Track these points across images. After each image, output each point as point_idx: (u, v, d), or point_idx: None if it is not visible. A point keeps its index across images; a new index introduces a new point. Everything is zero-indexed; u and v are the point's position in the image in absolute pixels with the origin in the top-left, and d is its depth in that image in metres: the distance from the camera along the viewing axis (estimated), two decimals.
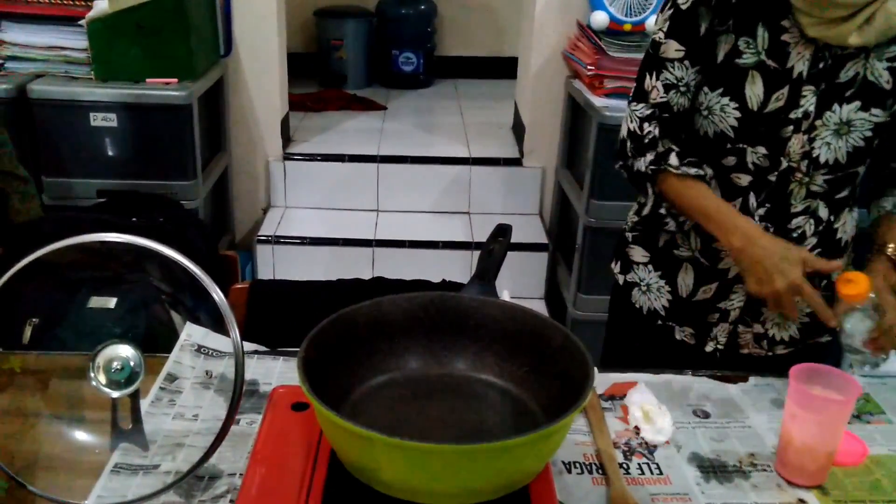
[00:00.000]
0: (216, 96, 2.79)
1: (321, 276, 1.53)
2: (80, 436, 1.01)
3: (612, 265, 1.43)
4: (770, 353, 1.32)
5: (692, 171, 1.19)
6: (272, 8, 2.83)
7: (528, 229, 3.06)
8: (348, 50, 4.25)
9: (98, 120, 2.32)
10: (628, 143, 1.25)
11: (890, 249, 1.17)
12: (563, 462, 1.01)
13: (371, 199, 3.18)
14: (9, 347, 1.15)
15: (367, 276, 1.54)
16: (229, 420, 0.90)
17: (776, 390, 1.17)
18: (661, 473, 1.00)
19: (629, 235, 1.38)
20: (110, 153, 2.38)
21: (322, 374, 0.85)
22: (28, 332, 1.19)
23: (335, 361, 0.91)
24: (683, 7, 1.16)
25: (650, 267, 1.34)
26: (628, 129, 1.25)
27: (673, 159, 1.20)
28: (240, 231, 3.13)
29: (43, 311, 1.18)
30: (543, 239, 3.01)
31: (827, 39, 1.10)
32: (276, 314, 1.37)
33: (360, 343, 0.95)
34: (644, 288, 1.35)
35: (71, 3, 2.33)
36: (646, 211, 1.28)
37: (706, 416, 1.12)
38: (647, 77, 1.22)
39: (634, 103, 1.25)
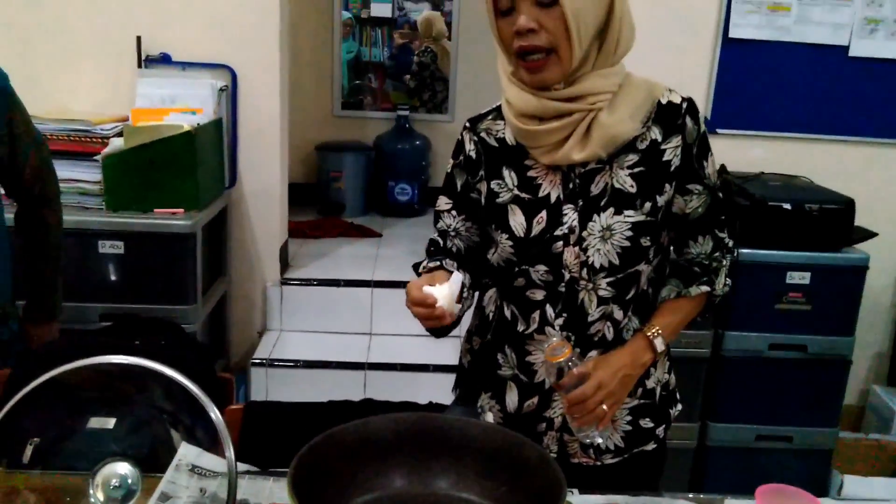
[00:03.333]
0: (219, 224, 2.93)
1: (313, 399, 1.58)
2: None
3: (453, 392, 1.54)
4: (599, 463, 1.38)
5: (432, 263, 1.36)
6: (276, 143, 3.03)
7: None
8: (347, 181, 4.47)
9: (106, 247, 2.43)
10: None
11: (651, 330, 1.30)
12: None
13: (364, 323, 3.26)
14: (12, 466, 1.19)
15: (358, 397, 1.59)
16: None
17: None
18: None
19: (465, 362, 1.51)
20: (115, 278, 2.48)
21: (310, 492, 0.90)
22: (29, 451, 1.23)
23: (323, 479, 0.96)
24: (447, 171, 1.41)
25: (480, 390, 1.44)
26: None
27: (424, 263, 1.38)
28: (235, 354, 3.18)
29: (45, 430, 1.23)
30: None
31: (558, 162, 1.27)
32: (268, 435, 1.41)
33: (348, 461, 1.00)
34: (479, 410, 1.45)
35: (88, 140, 2.50)
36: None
37: None
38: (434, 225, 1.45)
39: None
